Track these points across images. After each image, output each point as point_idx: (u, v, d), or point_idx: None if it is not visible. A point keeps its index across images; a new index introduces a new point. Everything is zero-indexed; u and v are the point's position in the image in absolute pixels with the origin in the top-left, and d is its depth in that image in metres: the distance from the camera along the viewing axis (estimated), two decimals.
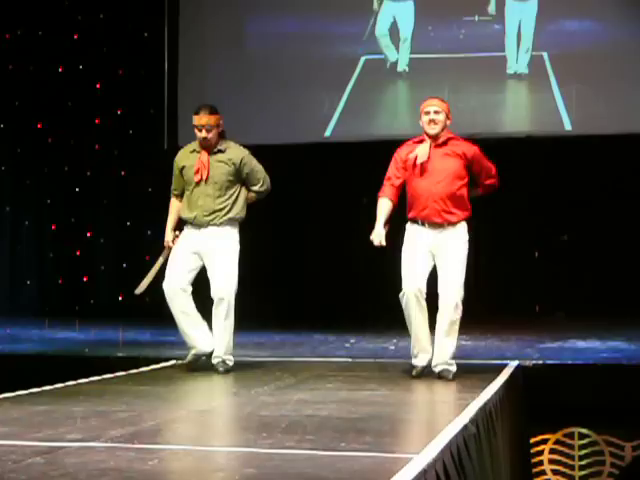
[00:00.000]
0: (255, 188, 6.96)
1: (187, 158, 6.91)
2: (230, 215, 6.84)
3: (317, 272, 11.78)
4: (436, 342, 6.44)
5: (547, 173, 11.57)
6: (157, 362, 7.28)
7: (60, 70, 12.83)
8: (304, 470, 3.66)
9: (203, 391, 6.22)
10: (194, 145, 6.94)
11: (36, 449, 3.99)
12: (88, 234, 13.03)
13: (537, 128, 11.75)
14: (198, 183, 6.79)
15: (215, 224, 6.79)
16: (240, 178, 6.88)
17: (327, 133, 11.91)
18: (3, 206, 13.02)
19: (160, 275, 6.94)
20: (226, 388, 6.09)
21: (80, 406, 5.28)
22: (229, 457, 3.90)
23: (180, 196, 6.97)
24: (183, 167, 6.90)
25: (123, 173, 12.57)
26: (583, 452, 7.28)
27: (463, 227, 6.51)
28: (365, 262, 11.05)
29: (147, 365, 7.13)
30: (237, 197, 6.88)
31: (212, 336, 6.80)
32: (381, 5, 11.87)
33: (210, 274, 6.82)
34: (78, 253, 13.01)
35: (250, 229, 12.14)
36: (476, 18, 11.62)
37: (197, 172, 6.80)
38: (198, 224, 6.81)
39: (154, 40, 12.37)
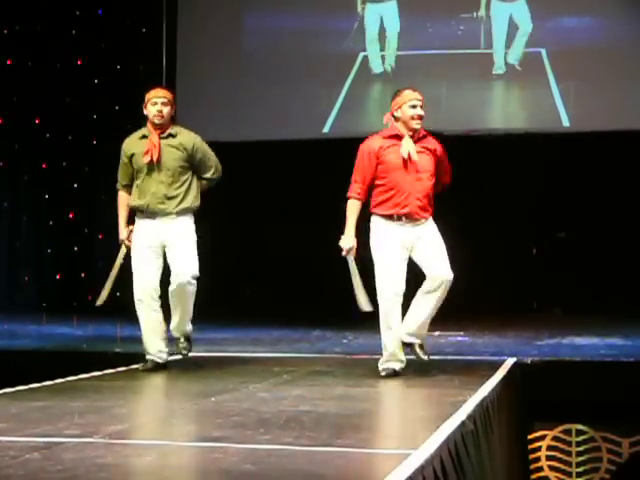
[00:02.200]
0: (207, 175, 6.71)
1: (136, 145, 6.67)
2: (184, 205, 6.58)
3: (315, 268, 11.77)
4: (418, 315, 6.33)
5: (545, 170, 11.58)
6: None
7: (58, 66, 12.82)
8: (302, 466, 3.66)
9: (201, 387, 6.22)
10: (143, 131, 6.72)
11: (34, 445, 3.99)
12: (86, 230, 13.04)
13: (535, 125, 11.76)
14: (149, 165, 6.53)
15: (169, 214, 6.54)
16: (192, 165, 6.64)
17: (325, 129, 11.91)
18: (1, 202, 13.00)
19: (121, 275, 6.75)
20: (224, 384, 6.08)
21: (78, 402, 5.29)
22: (227, 453, 3.90)
23: (128, 187, 6.71)
24: (132, 155, 6.63)
25: None
26: (581, 448, 7.29)
27: (432, 222, 6.41)
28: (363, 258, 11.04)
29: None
30: (190, 185, 6.62)
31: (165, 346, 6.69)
32: (365, 8, 11.88)
33: (172, 260, 6.56)
34: (76, 249, 13.02)
35: (248, 224, 12.20)
36: (474, 15, 11.63)
37: (147, 153, 6.54)
38: (151, 212, 6.56)
39: (152, 36, 12.38)
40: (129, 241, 6.68)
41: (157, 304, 6.64)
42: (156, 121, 6.62)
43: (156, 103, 6.61)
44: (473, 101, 11.52)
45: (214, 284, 11.27)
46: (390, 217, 6.32)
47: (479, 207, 11.20)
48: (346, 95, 11.88)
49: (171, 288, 6.57)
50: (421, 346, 6.40)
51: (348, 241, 6.35)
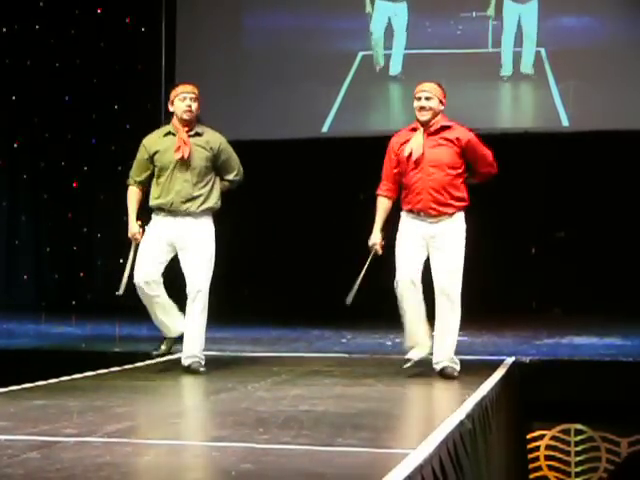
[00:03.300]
0: (230, 177, 6.65)
1: (160, 142, 6.54)
2: (207, 205, 6.50)
3: (314, 267, 11.78)
4: (436, 338, 6.27)
5: (544, 169, 11.58)
6: (153, 357, 7.25)
7: (57, 65, 12.81)
8: (301, 466, 3.66)
9: (199, 386, 6.22)
10: (167, 128, 6.59)
11: (32, 444, 3.98)
12: (85, 229, 13.04)
13: (535, 124, 11.77)
14: (176, 163, 6.42)
15: (192, 213, 6.45)
16: (215, 165, 6.57)
17: (324, 129, 11.91)
18: (0, 201, 13.00)
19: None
20: (222, 383, 6.08)
21: (76, 401, 5.28)
22: (226, 452, 3.89)
23: (140, 184, 6.61)
24: (156, 152, 6.51)
25: (120, 168, 12.55)
26: (579, 448, 7.29)
27: (460, 217, 6.30)
28: (362, 258, 11.03)
29: (143, 360, 7.12)
30: (213, 186, 6.54)
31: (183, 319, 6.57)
32: (374, 6, 11.87)
33: (186, 268, 6.50)
34: (75, 248, 13.02)
35: (247, 224, 12.18)
36: (474, 14, 11.62)
37: (178, 149, 6.42)
38: (174, 210, 6.45)
39: (151, 35, 12.38)
40: (140, 236, 6.56)
41: (158, 290, 6.50)
42: (185, 117, 6.51)
43: (185, 98, 6.50)
44: (473, 101, 11.50)
45: (212, 283, 11.24)
46: (410, 211, 6.30)
47: (478, 206, 11.18)
48: (345, 94, 11.87)
49: (188, 300, 6.49)
50: (447, 367, 6.24)
51: (372, 237, 6.37)
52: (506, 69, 11.61)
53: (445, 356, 6.27)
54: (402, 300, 6.28)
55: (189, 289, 6.50)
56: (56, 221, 13.04)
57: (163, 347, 6.70)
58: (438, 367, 6.28)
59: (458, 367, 6.30)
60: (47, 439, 4.09)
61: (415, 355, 6.33)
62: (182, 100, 6.52)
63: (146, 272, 6.47)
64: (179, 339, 6.64)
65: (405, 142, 6.32)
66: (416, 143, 6.26)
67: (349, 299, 6.44)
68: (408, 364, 6.35)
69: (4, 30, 12.87)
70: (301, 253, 11.90)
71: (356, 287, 6.43)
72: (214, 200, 6.55)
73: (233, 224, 11.80)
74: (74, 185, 12.98)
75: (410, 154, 6.25)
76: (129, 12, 12.53)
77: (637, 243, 11.40)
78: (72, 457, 3.76)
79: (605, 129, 11.16)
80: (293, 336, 9.49)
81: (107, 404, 5.15)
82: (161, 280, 6.54)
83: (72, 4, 12.76)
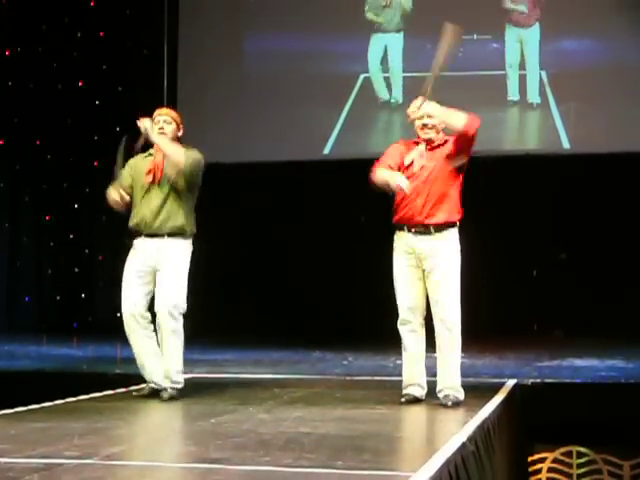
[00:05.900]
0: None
1: (141, 162, 6.59)
2: (176, 223, 6.42)
3: (315, 289, 11.77)
4: (438, 366, 6.19)
5: (545, 191, 11.59)
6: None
7: (59, 87, 12.85)
8: None
9: (200, 408, 6.20)
10: (150, 150, 6.63)
11: (33, 466, 3.98)
12: (86, 251, 13.04)
13: (536, 146, 11.79)
14: (151, 184, 6.46)
15: (163, 233, 6.42)
16: (190, 180, 6.47)
17: (326, 151, 11.93)
18: (2, 222, 13.02)
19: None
20: (224, 405, 6.07)
21: (77, 423, 5.28)
22: (227, 474, 3.88)
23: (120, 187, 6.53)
24: (135, 171, 6.57)
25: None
26: (581, 470, 7.26)
27: (452, 235, 6.19)
28: (363, 279, 11.04)
29: (145, 382, 7.10)
30: (187, 206, 6.49)
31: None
32: (370, 33, 11.91)
33: (157, 287, 6.44)
34: (76, 270, 13.02)
35: (248, 245, 12.18)
36: (475, 37, 11.64)
37: (149, 172, 6.47)
38: (146, 230, 6.44)
39: (153, 57, 12.41)
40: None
41: (146, 329, 6.47)
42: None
43: (158, 122, 6.56)
44: None
45: (213, 305, 11.24)
46: (400, 227, 6.21)
47: (479, 229, 11.20)
48: (347, 116, 11.90)
49: (157, 320, 6.43)
50: (448, 395, 6.12)
51: (400, 180, 5.99)
52: (512, 93, 11.62)
53: (447, 384, 6.17)
54: (401, 334, 6.25)
55: (157, 309, 6.40)
56: (58, 243, 13.05)
57: (145, 391, 6.58)
58: (440, 395, 6.18)
59: (461, 396, 6.17)
60: (48, 461, 4.08)
61: (414, 391, 6.26)
62: (156, 124, 6.56)
63: (134, 302, 6.42)
64: (160, 391, 6.51)
65: (409, 152, 6.25)
66: (416, 155, 6.21)
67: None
68: (403, 399, 6.24)
69: (7, 53, 12.91)
70: (302, 275, 11.90)
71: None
72: (181, 220, 6.44)
73: (234, 246, 11.83)
74: (75, 207, 12.99)
75: (411, 164, 6.18)
76: (131, 35, 12.58)
77: (638, 265, 11.40)
78: (73, 479, 3.75)
79: (606, 151, 11.18)
80: (294, 358, 9.48)
81: (108, 426, 5.15)
82: (149, 316, 6.47)
83: (74, 27, 12.80)
